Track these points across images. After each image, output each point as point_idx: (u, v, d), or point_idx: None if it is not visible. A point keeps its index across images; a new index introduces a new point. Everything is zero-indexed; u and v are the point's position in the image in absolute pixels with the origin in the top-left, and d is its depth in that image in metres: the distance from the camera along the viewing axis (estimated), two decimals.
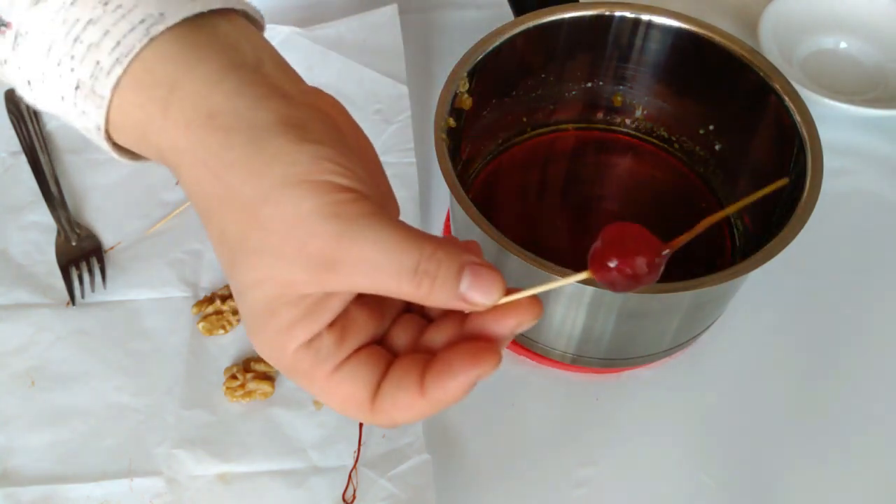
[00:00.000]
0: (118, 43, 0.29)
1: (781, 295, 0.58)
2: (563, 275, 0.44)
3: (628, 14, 0.56)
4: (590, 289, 0.44)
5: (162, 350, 0.54)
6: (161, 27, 0.29)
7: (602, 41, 0.57)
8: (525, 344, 0.53)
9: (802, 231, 0.45)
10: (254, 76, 0.30)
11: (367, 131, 0.67)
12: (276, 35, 0.66)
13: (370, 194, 0.29)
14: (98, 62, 0.29)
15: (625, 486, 0.50)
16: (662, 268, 0.29)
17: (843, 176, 0.64)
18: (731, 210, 0.32)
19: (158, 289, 0.56)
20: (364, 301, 0.31)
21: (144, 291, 0.56)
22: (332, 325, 0.30)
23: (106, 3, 0.29)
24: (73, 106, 0.31)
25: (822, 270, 0.59)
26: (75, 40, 0.29)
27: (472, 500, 0.49)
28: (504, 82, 0.57)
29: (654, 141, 0.62)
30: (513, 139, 0.62)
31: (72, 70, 0.30)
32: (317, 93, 0.32)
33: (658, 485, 0.50)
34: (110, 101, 0.30)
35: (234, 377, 0.52)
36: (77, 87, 0.30)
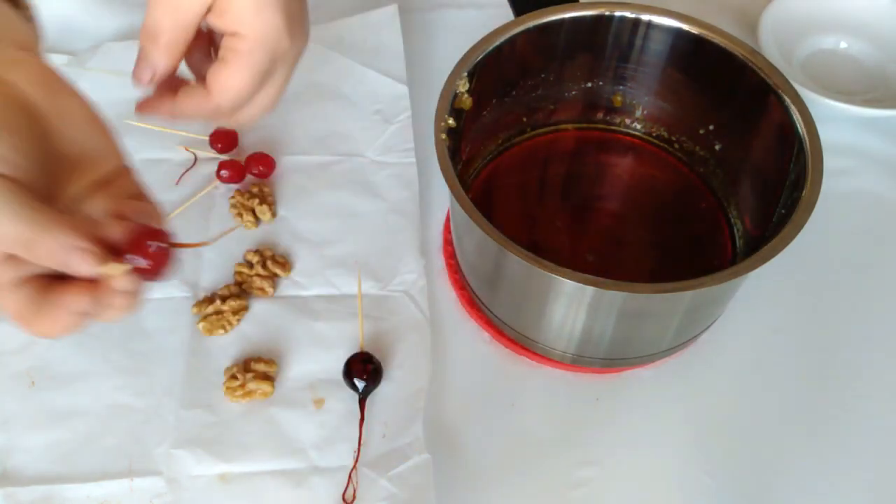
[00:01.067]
0: None
1: (781, 295, 0.58)
2: (563, 274, 0.44)
3: (628, 14, 0.56)
4: (590, 289, 0.44)
5: (162, 350, 0.54)
6: None
7: (602, 41, 0.57)
8: (525, 344, 0.53)
9: (802, 231, 0.45)
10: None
11: (367, 131, 0.67)
12: None
13: (18, 176, 0.32)
14: None
15: (625, 486, 0.50)
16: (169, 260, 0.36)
17: (843, 176, 0.64)
18: None
19: (158, 289, 0.56)
20: None
21: (144, 291, 0.56)
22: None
23: None
24: None
25: (822, 270, 0.59)
26: None
27: (472, 500, 0.49)
28: (504, 82, 0.57)
29: (654, 141, 0.62)
30: (513, 139, 0.62)
31: None
32: (19, 64, 0.35)
33: (658, 485, 0.50)
34: None
35: (234, 377, 0.52)
36: None
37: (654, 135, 0.62)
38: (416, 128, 0.63)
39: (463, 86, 0.52)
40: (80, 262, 0.33)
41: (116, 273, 0.34)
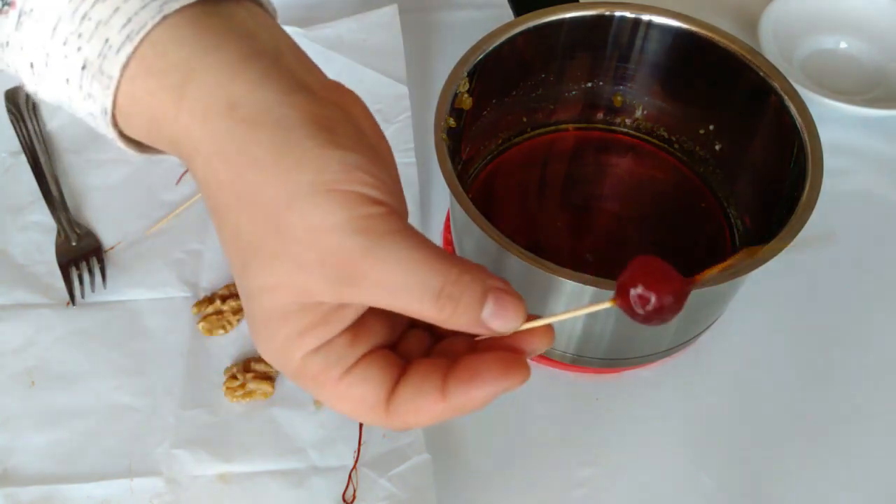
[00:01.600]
0: (129, 20, 0.28)
1: (781, 295, 0.58)
2: (563, 274, 0.44)
3: (628, 14, 0.56)
4: (590, 289, 0.44)
5: (162, 350, 0.54)
6: (175, 5, 0.28)
7: (602, 41, 0.57)
8: None
9: (802, 231, 0.45)
10: (274, 67, 0.29)
11: None
12: None
13: (398, 208, 0.28)
14: (107, 40, 0.28)
15: (625, 486, 0.50)
16: (685, 302, 0.29)
17: (843, 176, 0.64)
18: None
19: (158, 289, 0.56)
20: (377, 311, 0.29)
21: (144, 291, 0.56)
22: (343, 330, 0.29)
23: None
24: (79, 89, 0.29)
25: (822, 270, 0.59)
26: (83, 17, 0.28)
27: (472, 500, 0.49)
28: (504, 82, 0.57)
29: (654, 141, 0.62)
30: (513, 139, 0.62)
31: (79, 49, 0.28)
32: (339, 88, 0.31)
33: (658, 485, 0.50)
34: (119, 82, 0.28)
35: (234, 377, 0.52)
36: (84, 67, 0.28)
37: (654, 135, 0.62)
38: (416, 128, 0.63)
39: (463, 86, 0.52)
40: (512, 312, 0.28)
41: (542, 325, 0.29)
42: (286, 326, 0.28)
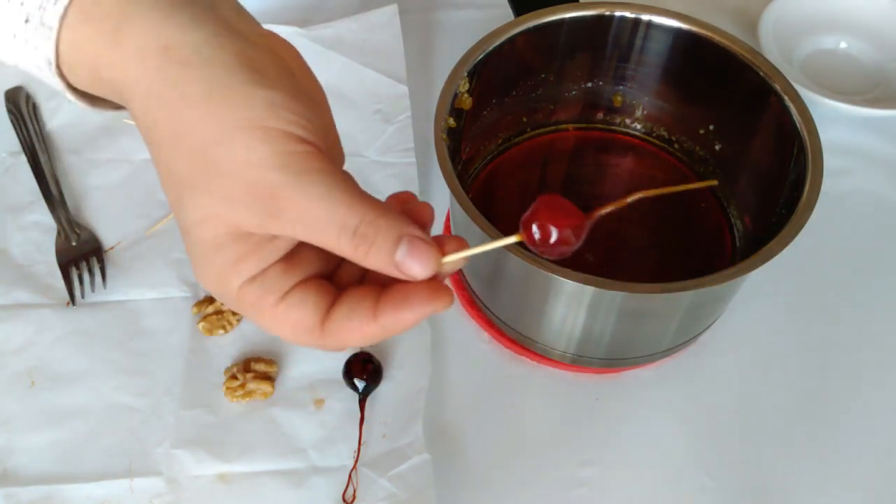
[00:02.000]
0: None
1: (781, 295, 0.58)
2: (563, 274, 0.44)
3: (628, 14, 0.56)
4: (590, 288, 0.44)
5: (162, 350, 0.54)
6: None
7: (602, 41, 0.57)
8: (525, 344, 0.53)
9: (802, 231, 0.45)
10: (208, 12, 0.30)
11: (367, 131, 0.67)
12: None
13: (322, 147, 0.30)
14: None
15: (625, 486, 0.50)
16: (583, 236, 0.32)
17: (843, 176, 0.64)
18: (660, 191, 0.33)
19: (158, 289, 0.56)
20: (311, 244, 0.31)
21: (144, 291, 0.56)
22: (277, 260, 0.30)
23: None
24: (25, 42, 0.31)
25: (822, 270, 0.59)
26: None
27: (472, 500, 0.49)
28: (504, 82, 0.57)
29: (654, 141, 0.62)
30: (513, 139, 0.62)
31: (21, 4, 0.30)
32: (271, 35, 0.32)
33: (658, 485, 0.50)
34: (59, 33, 0.30)
35: (234, 377, 0.52)
36: (27, 21, 0.30)
37: (654, 135, 0.62)
38: (416, 128, 0.63)
39: (463, 86, 0.52)
40: (426, 258, 0.29)
41: (460, 264, 0.31)
42: (221, 256, 0.30)
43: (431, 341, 0.54)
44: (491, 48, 0.53)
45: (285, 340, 0.32)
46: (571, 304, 0.47)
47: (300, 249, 0.31)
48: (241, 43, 0.30)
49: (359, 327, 0.30)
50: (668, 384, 0.54)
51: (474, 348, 0.55)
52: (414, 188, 0.60)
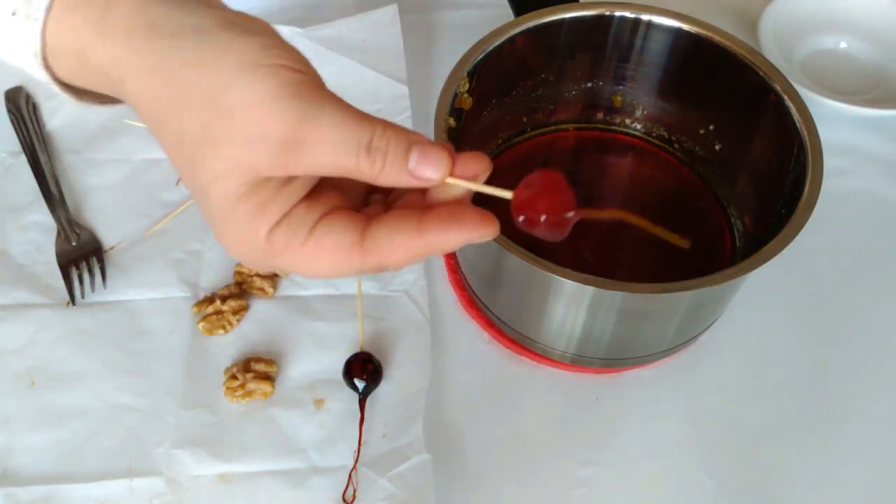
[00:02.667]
0: None
1: (781, 295, 0.58)
2: (563, 274, 0.44)
3: (628, 14, 0.56)
4: (590, 288, 0.44)
5: (162, 350, 0.54)
6: None
7: (602, 41, 0.57)
8: (525, 344, 0.53)
9: (802, 231, 0.45)
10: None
11: None
12: None
13: (317, 78, 0.31)
14: None
15: (625, 486, 0.50)
16: (571, 223, 0.32)
17: (843, 176, 0.64)
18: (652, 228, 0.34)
19: (158, 289, 0.56)
20: (330, 181, 0.32)
21: (144, 291, 0.56)
22: (300, 201, 0.31)
23: None
24: (14, 37, 0.31)
25: (822, 270, 0.59)
26: None
27: (472, 500, 0.49)
28: (504, 82, 0.57)
29: (654, 141, 0.62)
30: (513, 139, 0.62)
31: None
32: (247, 14, 0.33)
33: (658, 485, 0.50)
34: (44, 23, 0.30)
35: (234, 377, 0.52)
36: (14, 14, 0.31)
37: (654, 135, 0.62)
38: (416, 128, 0.63)
39: (463, 86, 0.52)
40: (436, 161, 0.30)
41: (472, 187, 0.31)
42: (245, 205, 0.30)
43: (431, 341, 0.54)
44: (491, 48, 0.53)
45: (329, 277, 0.31)
46: (571, 304, 0.47)
47: (320, 189, 0.31)
48: (221, 11, 0.31)
49: (402, 243, 0.30)
50: (668, 384, 0.54)
51: (474, 348, 0.55)
52: None
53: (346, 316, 0.55)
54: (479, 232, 0.30)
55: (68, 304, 0.55)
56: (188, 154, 0.30)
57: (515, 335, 0.53)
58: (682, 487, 0.50)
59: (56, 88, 0.33)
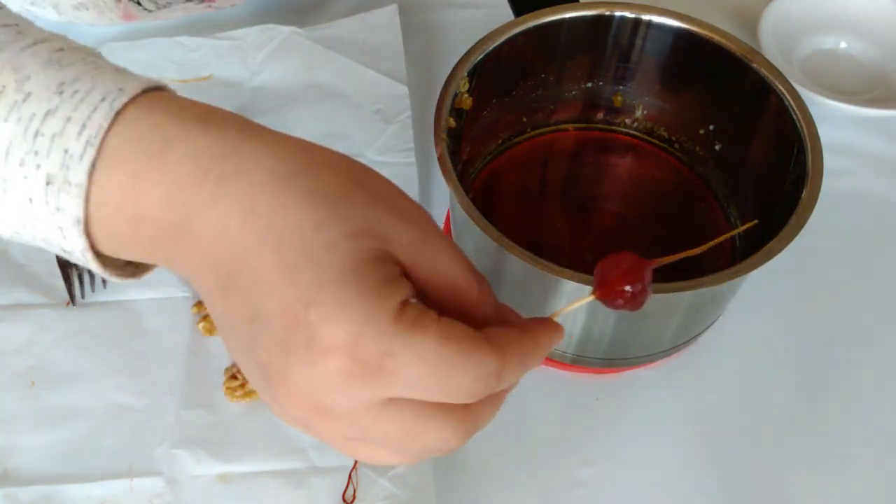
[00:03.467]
0: (83, 126, 0.28)
1: (781, 295, 0.58)
2: (563, 274, 0.44)
3: (628, 14, 0.56)
4: (590, 289, 0.44)
5: (162, 350, 0.54)
6: (124, 98, 0.28)
7: (602, 41, 0.57)
8: None
9: (802, 231, 0.45)
10: (242, 121, 0.30)
11: (366, 131, 0.67)
12: (276, 35, 0.66)
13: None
14: (66, 150, 0.28)
15: (625, 486, 0.50)
16: (650, 286, 0.35)
17: (843, 176, 0.64)
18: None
19: (158, 289, 0.56)
20: None
21: (144, 291, 0.56)
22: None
23: (61, 92, 0.28)
24: (45, 205, 0.28)
25: (822, 270, 0.59)
26: (36, 135, 0.28)
27: (472, 500, 0.49)
28: (504, 82, 0.57)
29: (654, 141, 0.62)
30: (513, 139, 0.62)
31: (38, 166, 0.28)
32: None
33: (658, 485, 0.50)
34: (88, 189, 0.28)
35: (234, 377, 0.52)
36: (48, 183, 0.28)
37: (653, 135, 0.62)
38: (416, 128, 0.63)
39: (463, 86, 0.52)
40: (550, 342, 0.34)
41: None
42: (381, 269, 0.28)
43: None
44: (491, 48, 0.53)
45: (460, 359, 0.29)
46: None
47: None
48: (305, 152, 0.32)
49: (513, 340, 0.32)
50: (668, 384, 0.54)
51: None
52: (414, 188, 0.60)
53: None
54: (556, 338, 0.35)
55: (68, 303, 0.55)
56: (318, 212, 0.28)
57: None
58: (682, 487, 0.50)
59: (95, 265, 0.30)
